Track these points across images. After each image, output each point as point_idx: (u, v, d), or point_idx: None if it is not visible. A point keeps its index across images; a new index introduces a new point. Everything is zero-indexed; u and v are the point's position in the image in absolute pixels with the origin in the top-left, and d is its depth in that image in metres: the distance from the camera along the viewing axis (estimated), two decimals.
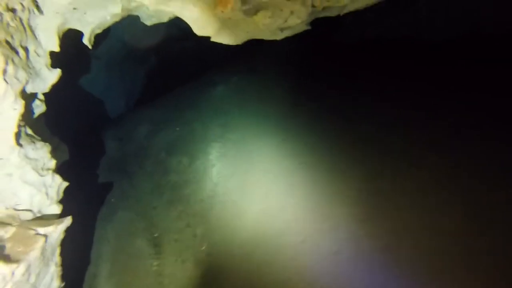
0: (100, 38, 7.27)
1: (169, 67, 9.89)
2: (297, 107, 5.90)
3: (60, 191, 3.44)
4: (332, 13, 3.69)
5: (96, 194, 5.48)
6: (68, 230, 3.25)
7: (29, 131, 3.13)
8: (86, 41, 3.33)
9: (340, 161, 4.48)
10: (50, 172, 3.27)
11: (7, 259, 2.66)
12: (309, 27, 3.58)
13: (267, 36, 3.50)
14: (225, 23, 3.42)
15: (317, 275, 3.33)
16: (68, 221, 3.11)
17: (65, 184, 3.50)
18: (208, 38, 3.74)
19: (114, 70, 8.66)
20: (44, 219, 3.17)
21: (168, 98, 7.73)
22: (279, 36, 3.50)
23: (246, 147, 5.24)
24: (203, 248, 4.07)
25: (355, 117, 5.36)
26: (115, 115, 8.23)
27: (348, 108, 5.63)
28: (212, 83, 7.51)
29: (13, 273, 2.62)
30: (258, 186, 4.53)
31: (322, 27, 4.79)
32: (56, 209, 3.35)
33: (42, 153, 3.17)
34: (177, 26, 8.04)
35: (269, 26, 3.08)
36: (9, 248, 2.77)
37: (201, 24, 3.41)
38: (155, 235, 4.49)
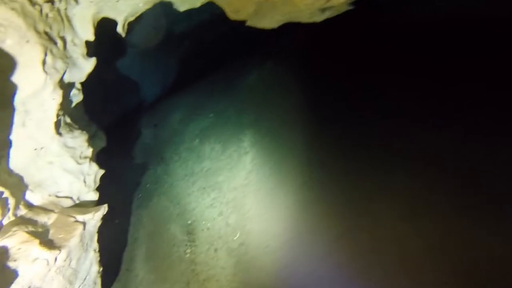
0: (134, 25, 7.33)
1: (203, 53, 9.83)
2: (333, 96, 5.61)
3: (97, 179, 3.50)
4: None
5: (132, 179, 5.61)
6: (105, 217, 3.33)
7: (68, 120, 3.18)
8: (120, 29, 3.29)
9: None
10: (88, 160, 3.33)
11: (51, 245, 2.75)
12: (351, 7, 3.30)
13: (305, 18, 3.28)
14: (261, 6, 3.24)
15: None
16: (104, 208, 3.17)
17: (102, 171, 3.55)
18: (242, 22, 3.58)
19: (149, 57, 8.73)
20: (82, 206, 3.25)
21: (202, 85, 7.70)
22: (319, 17, 3.26)
23: (280, 135, 5.09)
24: (236, 237, 4.03)
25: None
26: (150, 101, 8.34)
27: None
28: (246, 69, 7.36)
29: (56, 259, 2.71)
30: (294, 176, 4.39)
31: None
32: (94, 196, 3.43)
33: (80, 142, 3.22)
34: (210, 12, 7.92)
35: (311, 6, 2.85)
36: (51, 234, 2.86)
37: (236, 7, 3.25)
38: (189, 222, 4.52)
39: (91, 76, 3.42)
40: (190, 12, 8.54)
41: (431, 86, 4.84)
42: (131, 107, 7.91)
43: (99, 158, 5.01)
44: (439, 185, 3.62)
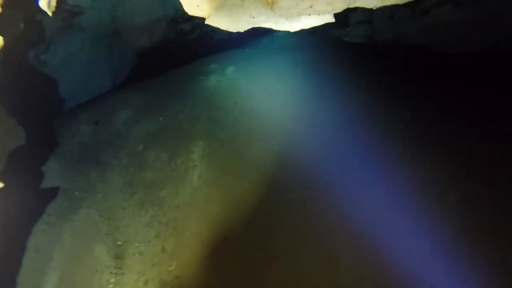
0: (87, 9, 6.39)
1: (162, 49, 9.04)
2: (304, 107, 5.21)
3: None
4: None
5: (57, 184, 4.73)
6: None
7: None
8: (43, 4, 2.55)
9: None
10: None
11: None
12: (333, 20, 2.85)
13: (280, 24, 2.77)
14: (225, 2, 2.69)
15: None
16: None
17: None
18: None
19: (101, 46, 7.78)
20: None
21: (156, 83, 6.93)
22: (296, 26, 2.77)
23: (234, 151, 4.55)
24: (172, 267, 3.40)
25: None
26: (95, 95, 7.38)
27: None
28: (205, 71, 6.75)
29: None
30: (245, 200, 3.86)
31: None
32: None
33: None
34: (175, 7, 7.22)
35: (289, 11, 2.33)
36: None
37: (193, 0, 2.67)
38: (119, 243, 3.79)
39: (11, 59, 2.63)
40: (152, 4, 7.75)
41: None
42: (70, 99, 6.92)
43: (15, 158, 4.12)
44: None
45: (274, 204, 3.80)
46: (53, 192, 4.72)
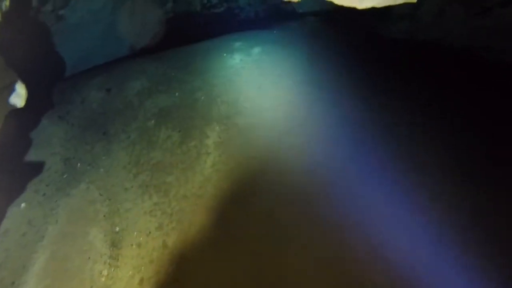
0: None
1: (185, 20, 8.41)
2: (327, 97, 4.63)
3: None
4: None
5: (59, 152, 4.30)
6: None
7: None
8: None
9: None
10: None
11: None
12: None
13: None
14: None
15: None
16: None
17: None
18: None
19: (125, 8, 7.20)
20: None
21: (176, 55, 6.36)
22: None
23: (255, 140, 4.03)
24: (172, 268, 2.97)
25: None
26: (111, 59, 6.86)
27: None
28: (229, 49, 6.15)
29: None
30: (260, 200, 3.37)
31: None
32: None
33: None
34: None
35: None
36: None
37: None
38: (117, 229, 3.37)
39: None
40: None
41: None
42: (84, 61, 6.42)
43: (14, 118, 3.67)
44: None
45: (292, 207, 3.31)
46: (53, 160, 4.31)
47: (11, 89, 3.19)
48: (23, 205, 3.68)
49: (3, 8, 3.30)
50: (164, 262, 2.99)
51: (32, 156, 4.36)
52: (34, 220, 3.55)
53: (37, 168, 4.23)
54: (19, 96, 3.26)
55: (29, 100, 3.66)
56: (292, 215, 3.24)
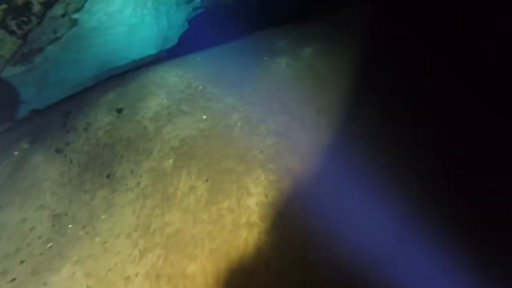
0: None
1: (213, 15, 6.88)
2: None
3: None
4: None
5: (50, 204, 2.97)
6: None
7: None
8: None
9: None
10: None
11: None
12: None
13: None
14: None
15: None
16: None
17: None
18: None
19: (147, 6, 5.84)
20: None
21: (206, 57, 4.85)
22: None
23: (325, 195, 2.43)
24: None
25: None
26: (130, 68, 5.51)
27: None
28: (270, 50, 4.54)
29: None
30: None
31: None
32: None
33: None
34: None
35: None
36: None
37: None
38: None
39: None
40: None
41: None
42: (99, 72, 5.15)
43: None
44: None
45: None
46: (40, 216, 3.00)
47: None
48: None
49: None
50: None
51: (14, 209, 3.09)
52: None
53: (17, 229, 2.95)
54: None
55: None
56: None
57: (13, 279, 2.52)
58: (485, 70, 3.51)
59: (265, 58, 4.40)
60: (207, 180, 2.83)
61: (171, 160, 3.17)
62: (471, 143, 2.93)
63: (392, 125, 3.01)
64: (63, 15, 4.74)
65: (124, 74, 5.14)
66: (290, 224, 2.30)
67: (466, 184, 2.65)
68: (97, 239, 2.72)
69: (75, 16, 4.90)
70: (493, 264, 2.19)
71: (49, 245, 2.77)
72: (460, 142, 2.96)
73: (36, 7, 4.35)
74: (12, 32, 4.11)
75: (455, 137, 3.00)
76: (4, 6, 3.94)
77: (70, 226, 2.89)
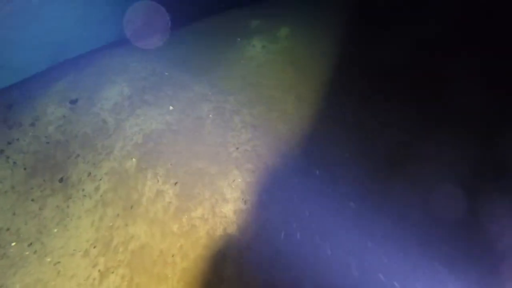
0: None
1: None
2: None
3: None
4: None
5: None
6: None
7: None
8: None
9: None
10: None
11: None
12: None
13: None
14: None
15: None
16: None
17: None
18: None
19: None
20: None
21: (173, 40, 4.29)
22: None
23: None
24: None
25: None
26: (90, 49, 4.82)
27: None
28: (244, 31, 4.08)
29: None
30: None
31: None
32: None
33: None
34: None
35: None
36: None
37: None
38: None
39: None
40: None
41: None
42: (47, 55, 4.42)
43: None
44: None
45: None
46: None
47: None
48: None
49: None
50: None
51: None
52: None
53: None
54: None
55: None
56: None
57: None
58: None
59: (238, 39, 3.94)
60: (175, 183, 2.43)
61: (134, 159, 2.73)
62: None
63: (378, 114, 2.73)
64: None
65: (78, 59, 4.48)
66: (273, 237, 1.99)
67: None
68: (48, 259, 2.28)
69: None
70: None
71: None
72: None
73: None
74: None
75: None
76: None
77: (13, 244, 2.42)
